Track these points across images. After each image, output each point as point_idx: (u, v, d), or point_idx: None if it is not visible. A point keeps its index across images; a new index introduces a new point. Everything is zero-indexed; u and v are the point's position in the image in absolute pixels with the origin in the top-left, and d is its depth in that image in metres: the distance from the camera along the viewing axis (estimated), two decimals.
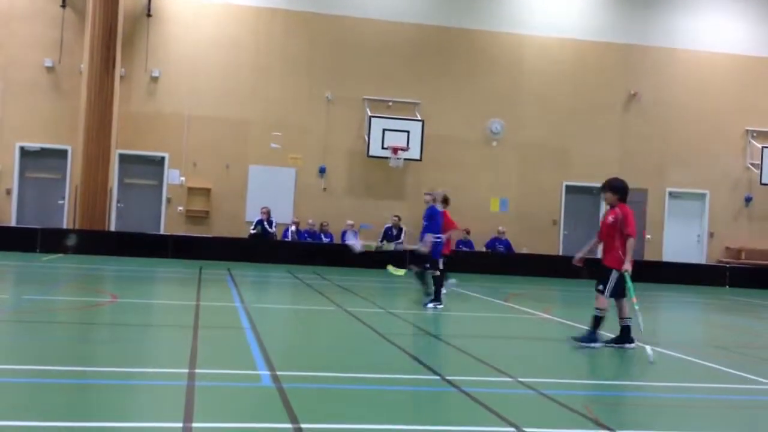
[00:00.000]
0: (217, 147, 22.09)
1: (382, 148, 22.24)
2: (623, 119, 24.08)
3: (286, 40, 22.61)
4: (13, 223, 20.90)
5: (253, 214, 21.76)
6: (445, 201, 12.97)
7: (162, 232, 21.57)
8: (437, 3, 23.42)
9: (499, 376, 6.98)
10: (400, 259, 17.32)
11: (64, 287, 13.16)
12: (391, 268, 14.60)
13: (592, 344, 8.83)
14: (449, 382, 6.52)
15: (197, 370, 6.39)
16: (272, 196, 22.03)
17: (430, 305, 11.99)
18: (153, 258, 19.45)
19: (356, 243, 14.92)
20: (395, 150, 22.19)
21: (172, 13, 22.02)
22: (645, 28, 24.07)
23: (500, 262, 22.18)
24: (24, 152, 21.26)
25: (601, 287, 8.88)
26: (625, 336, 8.93)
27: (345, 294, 14.07)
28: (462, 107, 23.28)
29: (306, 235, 22.12)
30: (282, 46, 22.59)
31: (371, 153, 22.31)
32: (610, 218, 8.97)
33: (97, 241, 20.01)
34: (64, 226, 20.88)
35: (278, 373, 6.43)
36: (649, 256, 23.56)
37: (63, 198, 21.30)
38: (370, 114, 22.55)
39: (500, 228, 22.88)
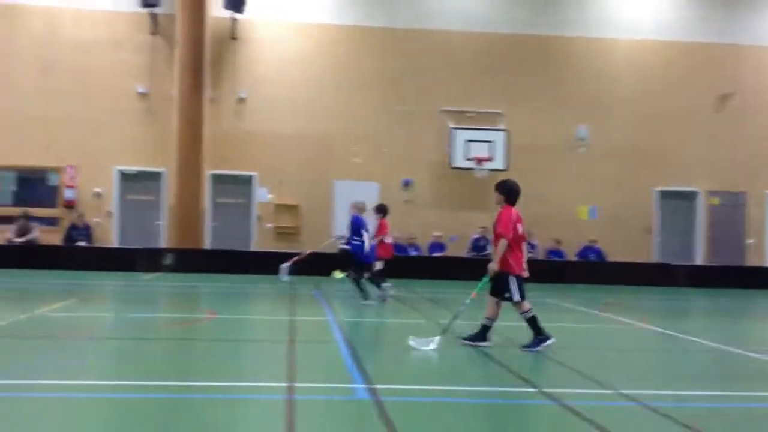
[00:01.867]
0: (302, 164, 22.45)
1: (466, 159, 22.16)
2: (715, 121, 23.25)
3: (364, 56, 22.83)
4: (114, 244, 21.74)
5: (340, 228, 21.96)
6: (381, 210, 14.98)
7: (252, 248, 22.04)
8: (516, 11, 23.20)
9: (599, 388, 6.81)
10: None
11: (164, 304, 13.60)
12: (336, 273, 15.92)
13: (542, 345, 8.68)
14: (547, 394, 6.41)
15: (296, 384, 6.48)
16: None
17: (364, 302, 13.32)
18: (245, 274, 19.88)
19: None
20: (479, 160, 22.07)
21: (255, 35, 22.57)
22: (735, 26, 23.24)
23: (592, 270, 21.71)
24: (122, 176, 22.12)
25: (507, 295, 8.74)
26: (481, 334, 8.83)
27: (434, 306, 14.03)
28: (546, 115, 22.97)
29: (394, 248, 22.15)
30: (361, 61, 22.82)
31: (455, 164, 22.25)
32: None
33: (192, 260, 20.58)
34: (162, 246, 21.58)
35: (374, 386, 6.46)
36: (751, 261, 22.66)
37: (160, 219, 22.04)
38: (452, 125, 22.50)
39: (591, 237, 22.40)
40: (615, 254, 22.41)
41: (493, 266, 8.70)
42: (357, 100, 22.71)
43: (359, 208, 13.92)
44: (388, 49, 22.86)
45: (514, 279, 8.75)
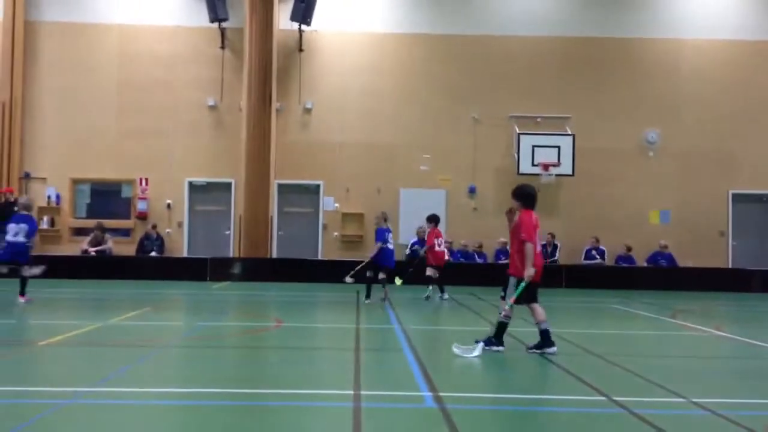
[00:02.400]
0: (368, 172, 22.61)
1: (533, 164, 21.95)
2: None
3: (429, 63, 22.88)
4: (185, 254, 22.29)
5: (406, 237, 22.03)
6: (432, 220, 16.18)
7: (319, 257, 22.28)
8: (581, 14, 22.93)
9: (670, 397, 6.66)
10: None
11: (232, 313, 13.87)
12: (396, 280, 16.30)
13: (491, 348, 8.78)
14: (617, 402, 6.30)
15: (362, 392, 6.53)
16: (424, 218, 22.15)
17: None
18: (311, 282, 20.11)
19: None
20: (546, 166, 21.84)
21: (321, 46, 22.86)
22: None
23: (663, 276, 21.21)
24: (192, 187, 22.67)
25: (502, 294, 8.98)
26: (545, 341, 8.77)
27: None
28: (615, 118, 22.60)
29: (459, 255, 22.13)
30: (425, 68, 22.87)
31: (521, 170, 22.05)
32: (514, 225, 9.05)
33: (259, 268, 20.93)
34: (231, 255, 22.01)
35: (441, 394, 6.46)
36: None
37: (229, 228, 22.49)
38: (518, 131, 22.33)
39: (662, 242, 21.89)
40: (687, 259, 21.85)
41: (530, 272, 8.74)
42: (422, 108, 22.76)
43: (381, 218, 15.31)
44: (452, 56, 22.86)
45: (514, 282, 8.86)
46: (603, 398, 6.54)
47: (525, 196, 9.22)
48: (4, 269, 13.36)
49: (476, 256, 22.19)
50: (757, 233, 22.54)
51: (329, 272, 20.79)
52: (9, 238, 13.29)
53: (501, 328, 8.93)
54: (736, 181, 22.47)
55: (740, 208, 22.53)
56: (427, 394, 6.49)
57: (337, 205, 22.61)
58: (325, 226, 22.73)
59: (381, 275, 14.95)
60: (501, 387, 7.14)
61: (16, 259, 13.25)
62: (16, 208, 14.69)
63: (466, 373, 8.01)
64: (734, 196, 22.49)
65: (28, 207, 13.97)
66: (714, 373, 8.57)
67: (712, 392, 7.05)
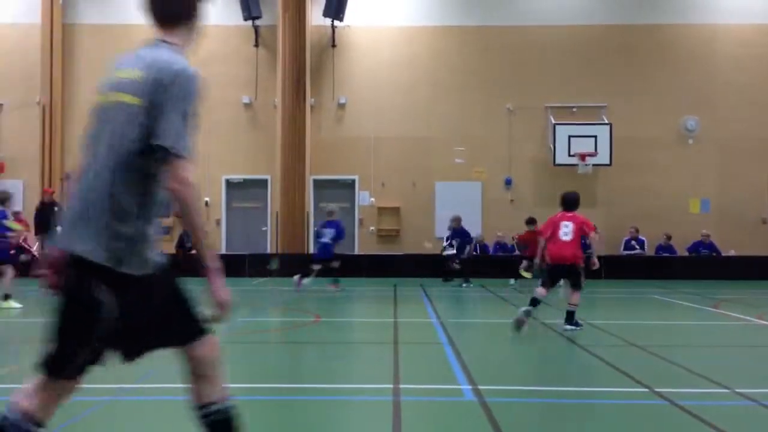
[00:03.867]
0: (402, 166, 22.61)
1: (569, 155, 21.74)
2: None
3: (462, 55, 22.77)
4: (223, 251, 22.51)
5: (442, 230, 21.97)
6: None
7: (356, 252, 22.34)
8: (614, 1, 22.63)
9: (714, 388, 6.57)
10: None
11: (272, 309, 13.99)
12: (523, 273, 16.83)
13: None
14: (659, 394, 6.24)
15: (401, 386, 6.55)
16: (460, 210, 22.09)
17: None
18: (349, 277, 20.15)
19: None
20: (583, 156, 21.62)
21: (353, 42, 22.88)
22: None
23: (705, 266, 20.87)
24: (229, 184, 22.89)
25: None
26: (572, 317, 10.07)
27: (541, 306, 13.82)
28: (652, 106, 22.27)
29: (497, 247, 22.04)
30: (458, 61, 22.77)
31: (558, 161, 21.87)
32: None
33: (297, 264, 20.96)
34: (268, 251, 22.16)
35: (480, 387, 6.45)
36: None
37: (266, 225, 22.66)
38: (554, 122, 22.14)
39: (704, 231, 21.53)
40: (728, 248, 21.47)
41: (596, 261, 10.67)
42: (456, 101, 22.68)
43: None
44: (485, 47, 22.72)
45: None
46: (645, 390, 6.47)
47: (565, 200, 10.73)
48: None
49: (512, 248, 22.04)
50: None
51: (366, 267, 20.89)
52: None
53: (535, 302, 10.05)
54: None
55: None
56: (467, 388, 6.49)
57: (372, 199, 22.65)
58: (361, 221, 22.79)
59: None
60: (540, 379, 7.11)
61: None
62: (56, 209, 14.77)
63: (505, 366, 8.00)
64: None
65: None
66: (757, 363, 8.43)
67: (756, 383, 6.94)
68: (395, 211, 22.65)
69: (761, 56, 22.15)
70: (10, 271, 12.34)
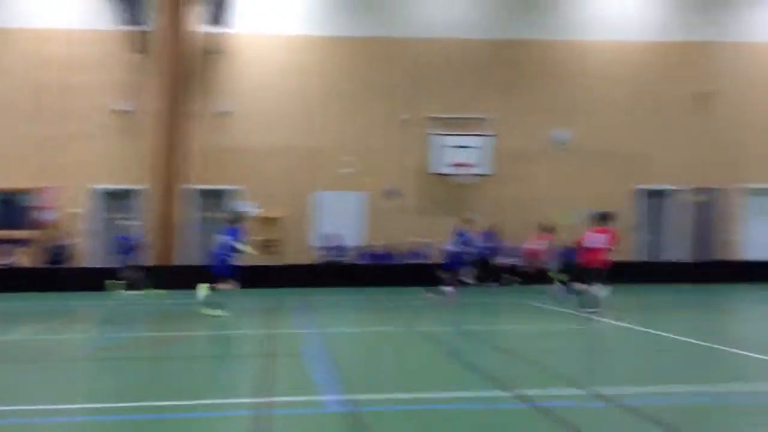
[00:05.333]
0: (288, 176, 22.46)
1: (451, 165, 22.21)
2: (695, 118, 23.38)
3: (350, 66, 22.89)
4: (93, 264, 21.45)
5: (322, 239, 22.03)
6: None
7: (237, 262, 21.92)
8: (497, 16, 23.31)
9: (574, 389, 6.82)
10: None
11: (141, 323, 13.54)
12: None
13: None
14: (521, 397, 6.42)
15: (267, 399, 6.47)
16: (344, 220, 22.25)
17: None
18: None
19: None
20: (464, 166, 22.12)
21: (239, 49, 22.57)
22: (708, 24, 23.40)
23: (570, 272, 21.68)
24: (101, 194, 21.97)
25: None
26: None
27: (415, 313, 14.03)
28: (528, 118, 23.07)
29: (381, 256, 22.22)
30: (346, 71, 22.87)
31: (440, 171, 22.29)
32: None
33: (168, 276, 20.14)
34: (141, 264, 21.24)
35: (348, 397, 6.45)
36: (731, 255, 22.76)
37: (139, 236, 21.80)
38: (437, 132, 22.56)
39: (575, 238, 22.33)
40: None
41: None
42: (343, 110, 22.78)
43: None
44: (373, 59, 22.94)
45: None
46: (507, 393, 6.65)
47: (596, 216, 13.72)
48: None
49: (394, 256, 22.27)
50: (665, 227, 23.32)
51: (248, 278, 20.53)
52: None
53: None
54: (643, 178, 23.17)
55: (648, 204, 23.25)
56: (335, 398, 6.48)
57: (257, 210, 22.32)
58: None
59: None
60: (409, 386, 7.17)
61: None
62: None
63: (376, 375, 8.04)
64: (641, 192, 23.20)
65: None
66: (615, 363, 8.82)
67: (611, 383, 7.25)
68: (278, 221, 22.45)
69: (629, 71, 23.33)
70: (229, 284, 13.77)
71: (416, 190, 22.91)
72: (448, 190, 22.72)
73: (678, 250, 23.18)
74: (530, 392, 6.58)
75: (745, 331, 12.38)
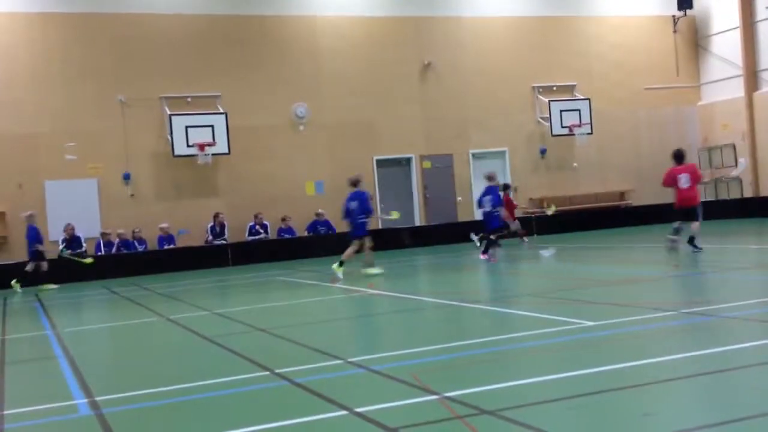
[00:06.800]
0: (5, 166, 20.50)
1: (188, 146, 21.57)
2: (422, 90, 24.81)
3: (65, 45, 21.32)
4: None
5: (56, 233, 20.44)
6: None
7: None
8: None
9: (330, 360, 6.96)
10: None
11: None
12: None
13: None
14: (280, 375, 6.43)
15: (5, 412, 5.88)
16: (75, 210, 20.77)
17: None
18: None
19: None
20: (201, 146, 21.59)
21: None
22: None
23: (322, 243, 22.25)
24: None
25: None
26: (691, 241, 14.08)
27: (168, 302, 13.56)
28: (264, 95, 23.04)
29: (120, 245, 21.11)
30: (62, 51, 21.28)
31: (177, 152, 21.59)
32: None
33: None
34: None
35: (97, 398, 6.06)
36: (461, 217, 24.57)
37: None
38: (169, 112, 21.77)
39: (318, 210, 22.94)
40: (343, 225, 23.07)
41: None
42: (64, 93, 21.21)
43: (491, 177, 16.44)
44: (92, 35, 21.55)
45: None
46: (266, 373, 6.63)
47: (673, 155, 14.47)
48: None
49: (136, 244, 21.31)
50: (400, 194, 24.60)
51: None
52: None
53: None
54: (377, 148, 24.22)
55: (383, 173, 24.38)
56: (82, 401, 6.04)
57: None
58: None
59: None
60: (163, 380, 6.88)
61: None
62: None
63: (127, 371, 7.65)
64: (377, 161, 24.24)
65: None
66: (368, 330, 9.17)
67: (366, 350, 7.52)
68: (0, 216, 20.43)
69: (358, 46, 24.11)
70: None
71: (154, 174, 22.00)
72: (187, 173, 22.10)
73: (415, 215, 24.54)
74: (287, 370, 6.61)
75: (485, 284, 13.43)
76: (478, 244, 18.35)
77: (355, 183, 15.22)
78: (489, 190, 16.21)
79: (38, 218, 19.13)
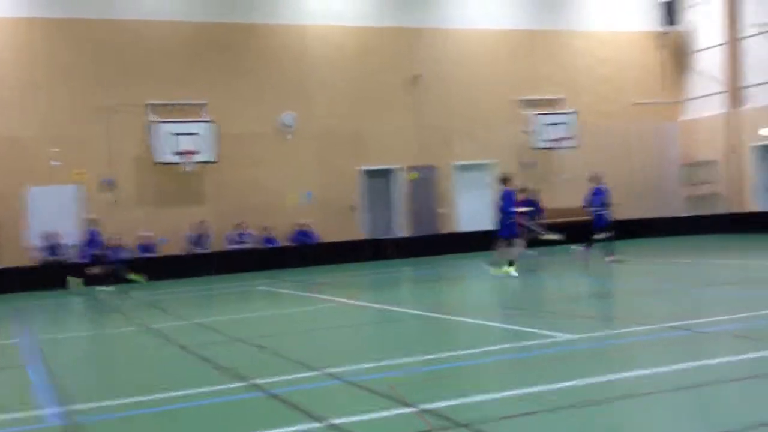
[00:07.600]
0: None
1: (173, 153, 21.45)
2: (410, 101, 24.76)
3: (53, 50, 21.15)
4: None
5: (43, 240, 20.27)
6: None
7: None
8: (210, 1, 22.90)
9: (307, 371, 6.91)
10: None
11: None
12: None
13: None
14: (256, 386, 6.37)
15: None
16: (58, 216, 20.60)
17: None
18: None
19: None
20: (186, 154, 21.49)
21: None
22: (419, 11, 24.92)
23: (306, 253, 22.16)
24: None
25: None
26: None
27: (150, 310, 13.45)
28: (252, 103, 22.96)
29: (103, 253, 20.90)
30: (49, 56, 21.10)
31: (161, 159, 21.45)
32: None
33: None
34: None
35: (70, 408, 5.98)
36: (444, 229, 24.52)
37: None
38: (155, 119, 21.66)
39: (301, 221, 22.84)
40: (328, 235, 23.05)
41: None
42: (49, 98, 21.03)
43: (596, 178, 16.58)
44: (79, 42, 21.38)
45: None
46: (243, 384, 6.57)
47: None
48: None
49: (120, 252, 21.10)
50: (385, 205, 24.49)
51: None
52: None
53: None
54: (364, 159, 24.16)
55: (369, 183, 24.30)
56: (55, 411, 5.96)
57: None
58: None
59: None
60: (140, 389, 6.81)
61: None
62: None
63: (102, 381, 7.56)
64: (364, 172, 24.18)
65: None
66: (346, 341, 9.12)
67: (344, 361, 7.46)
68: None
69: (347, 57, 24.07)
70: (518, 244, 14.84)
71: (138, 181, 21.86)
72: (172, 180, 21.96)
73: (398, 226, 24.47)
74: (263, 381, 6.55)
75: (464, 299, 13.41)
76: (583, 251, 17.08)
77: (504, 181, 15.05)
78: (597, 191, 16.61)
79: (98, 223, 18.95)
